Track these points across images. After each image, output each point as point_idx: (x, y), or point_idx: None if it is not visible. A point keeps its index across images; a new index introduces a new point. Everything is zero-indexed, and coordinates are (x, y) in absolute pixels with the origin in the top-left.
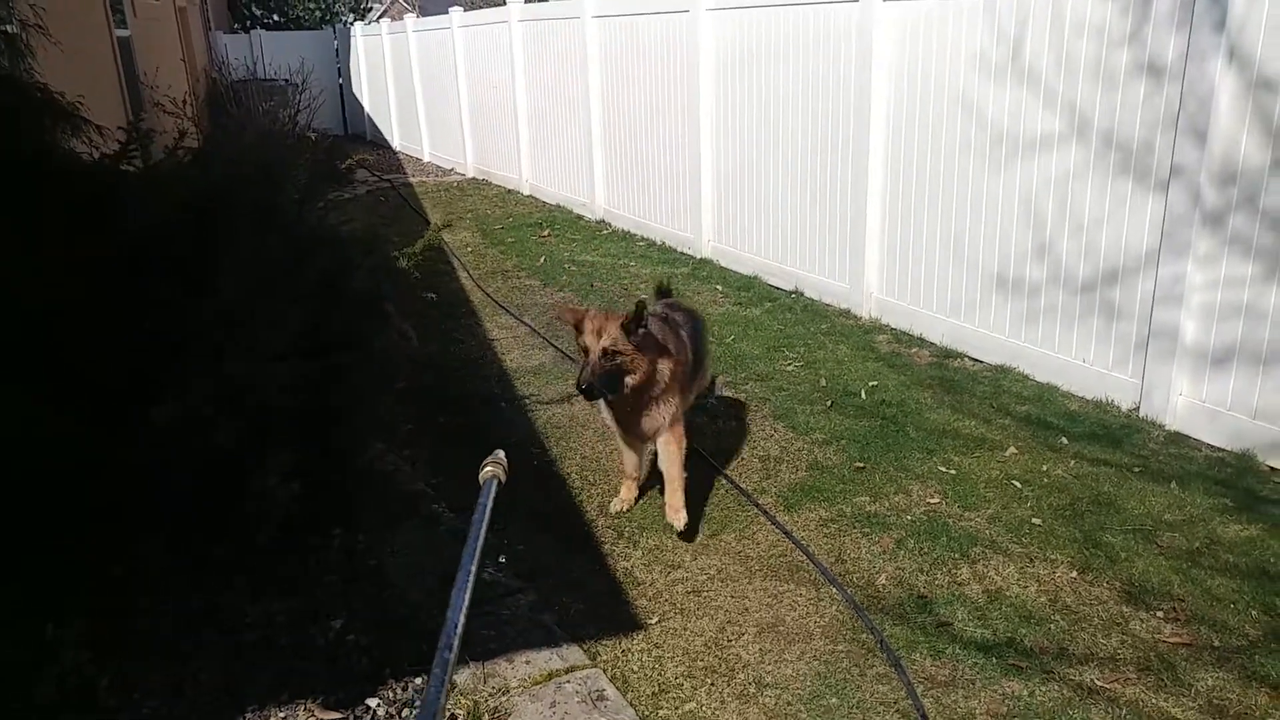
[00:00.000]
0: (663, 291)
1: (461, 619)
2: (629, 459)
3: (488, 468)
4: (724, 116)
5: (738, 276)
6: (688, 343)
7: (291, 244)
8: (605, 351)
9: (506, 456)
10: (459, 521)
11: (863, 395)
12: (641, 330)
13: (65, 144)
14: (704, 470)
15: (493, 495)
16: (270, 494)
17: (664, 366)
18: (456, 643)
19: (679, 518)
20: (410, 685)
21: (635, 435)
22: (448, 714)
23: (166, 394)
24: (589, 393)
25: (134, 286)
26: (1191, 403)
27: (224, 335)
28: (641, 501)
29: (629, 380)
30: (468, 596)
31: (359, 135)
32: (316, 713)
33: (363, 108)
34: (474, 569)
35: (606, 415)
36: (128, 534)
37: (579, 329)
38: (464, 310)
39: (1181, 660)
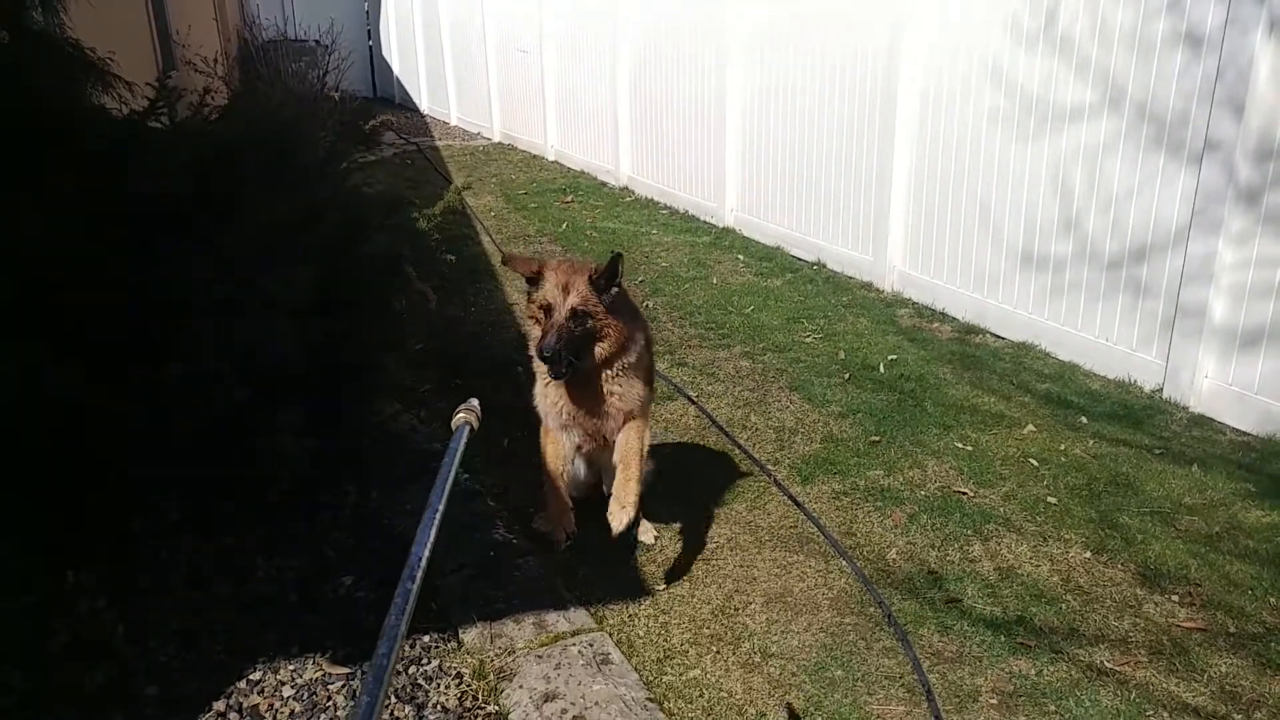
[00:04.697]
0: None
1: (426, 554)
2: (559, 461)
3: (460, 414)
4: (751, 86)
5: (760, 246)
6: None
7: (309, 203)
8: (573, 311)
9: (516, 420)
10: (474, 483)
11: (881, 369)
12: (615, 290)
13: (95, 99)
14: (718, 439)
15: (464, 440)
16: (282, 451)
17: (640, 338)
18: (419, 575)
19: (624, 514)
20: (418, 642)
21: (588, 427)
22: (454, 672)
23: (178, 350)
24: (554, 361)
25: (146, 242)
26: (1217, 385)
27: (235, 292)
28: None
29: (598, 350)
30: (433, 534)
31: (387, 98)
32: (325, 667)
33: (392, 70)
34: (441, 507)
35: (549, 399)
36: (145, 489)
37: (536, 282)
38: (484, 274)
39: (1195, 645)
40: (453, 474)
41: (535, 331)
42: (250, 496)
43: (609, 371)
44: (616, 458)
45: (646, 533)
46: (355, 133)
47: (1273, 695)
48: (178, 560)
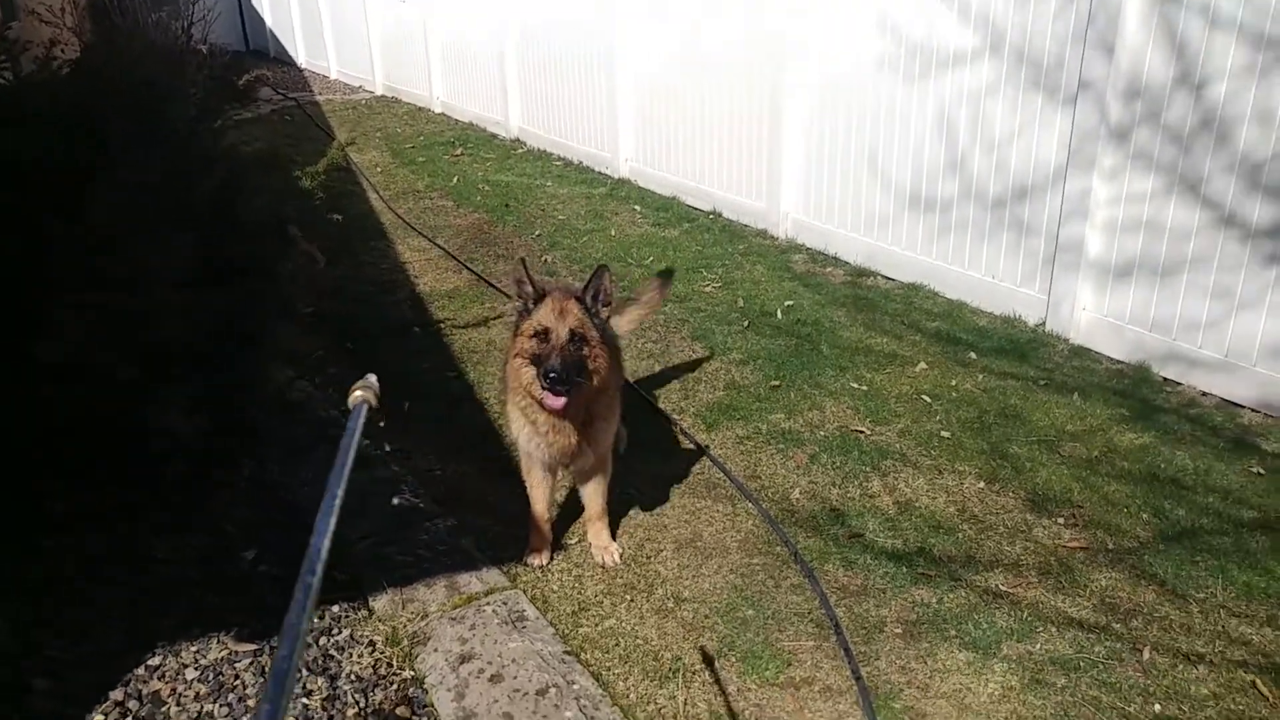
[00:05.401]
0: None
1: (326, 544)
2: (542, 494)
3: (357, 391)
4: (643, 34)
5: (656, 197)
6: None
7: (182, 164)
8: (572, 334)
9: (416, 382)
10: (372, 450)
11: (779, 315)
12: (605, 312)
13: None
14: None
15: (362, 420)
16: (173, 428)
17: (614, 367)
18: (320, 568)
19: (611, 554)
20: (327, 613)
21: (566, 463)
22: (366, 640)
23: (47, 328)
24: (562, 381)
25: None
26: (1094, 317)
27: (104, 263)
28: None
29: (588, 384)
30: (333, 522)
31: (261, 51)
32: (230, 645)
33: (264, 22)
34: (340, 493)
35: (528, 434)
36: (24, 477)
37: (532, 304)
38: (374, 233)
39: (1079, 563)
40: (352, 457)
41: (525, 370)
42: (142, 477)
43: (595, 408)
44: (586, 500)
45: (613, 554)
46: (228, 88)
47: (1147, 604)
48: (66, 549)
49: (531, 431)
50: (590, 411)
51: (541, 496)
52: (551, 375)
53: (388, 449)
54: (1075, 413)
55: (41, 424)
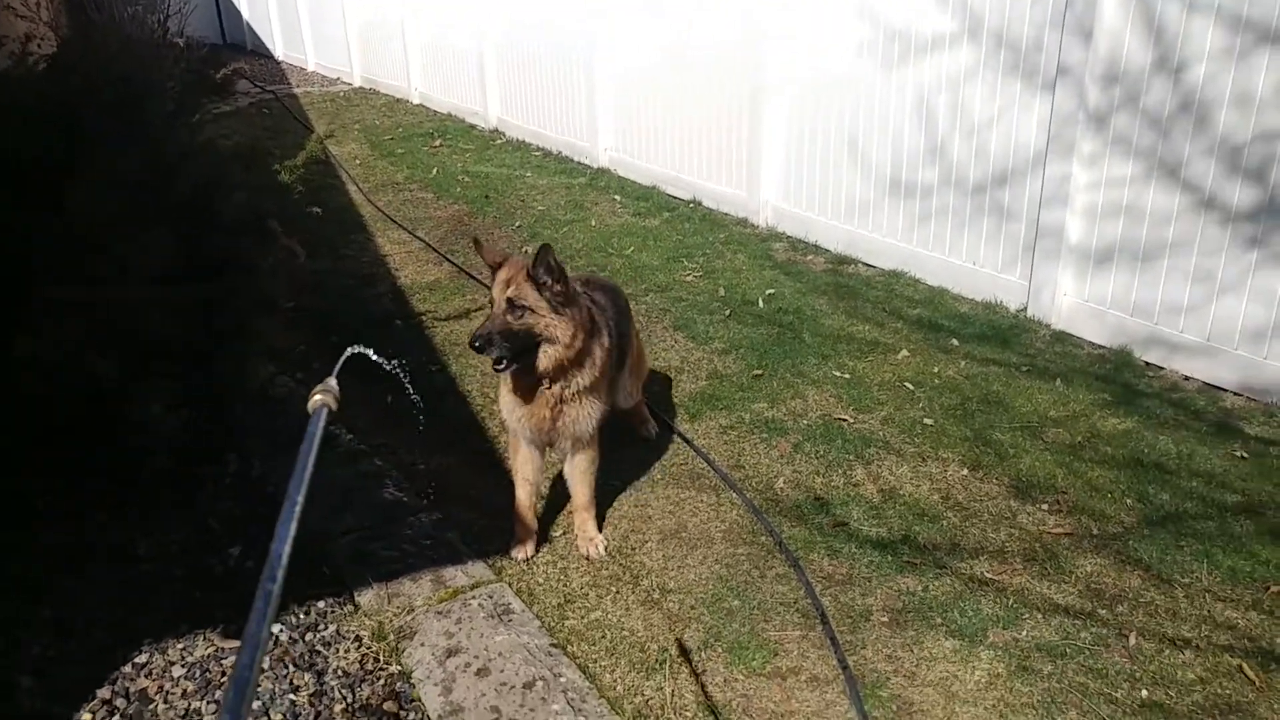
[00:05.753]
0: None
1: (286, 550)
2: (526, 477)
3: (317, 396)
4: (621, 21)
5: (636, 186)
6: (611, 330)
7: (161, 159)
8: (510, 303)
9: (388, 373)
10: (356, 444)
11: (760, 303)
12: (558, 286)
13: None
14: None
15: (322, 425)
16: (156, 424)
17: (596, 347)
18: (280, 574)
19: (596, 546)
20: (313, 609)
21: (544, 439)
22: (352, 636)
23: (28, 325)
24: (483, 349)
25: None
26: (1075, 302)
27: (85, 259)
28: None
29: (546, 354)
30: (293, 528)
31: (238, 44)
32: (216, 642)
33: (241, 14)
34: (300, 499)
35: (509, 405)
36: (6, 472)
37: (493, 275)
38: (354, 226)
39: (1064, 549)
40: (312, 462)
41: None
42: (125, 473)
43: (564, 386)
44: (572, 490)
45: (598, 545)
46: (206, 82)
47: (1132, 589)
48: (50, 547)
49: (514, 402)
50: (561, 398)
51: (526, 480)
52: (475, 344)
53: (379, 445)
54: (1058, 398)
55: (24, 421)
